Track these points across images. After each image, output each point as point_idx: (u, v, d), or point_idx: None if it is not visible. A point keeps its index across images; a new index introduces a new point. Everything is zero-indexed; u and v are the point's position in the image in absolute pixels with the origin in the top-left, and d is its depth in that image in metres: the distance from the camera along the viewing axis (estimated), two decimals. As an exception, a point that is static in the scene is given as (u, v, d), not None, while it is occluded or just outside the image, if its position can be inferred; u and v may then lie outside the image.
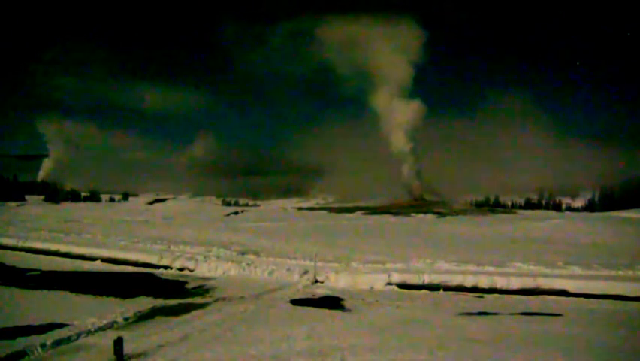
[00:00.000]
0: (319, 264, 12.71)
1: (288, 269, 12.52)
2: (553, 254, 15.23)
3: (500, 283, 11.00)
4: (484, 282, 11.07)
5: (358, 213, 54.99)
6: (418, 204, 72.92)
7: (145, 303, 8.80)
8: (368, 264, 13.17)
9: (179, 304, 8.90)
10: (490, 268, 12.24)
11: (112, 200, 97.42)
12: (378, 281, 11.44)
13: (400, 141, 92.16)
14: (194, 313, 8.12)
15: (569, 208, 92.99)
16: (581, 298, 10.34)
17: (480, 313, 8.43)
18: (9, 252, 16.22)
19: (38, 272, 12.46)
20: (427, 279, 11.32)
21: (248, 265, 13.06)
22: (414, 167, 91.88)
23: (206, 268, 13.06)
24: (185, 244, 16.74)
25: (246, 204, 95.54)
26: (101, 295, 9.48)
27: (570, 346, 6.10)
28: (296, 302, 9.24)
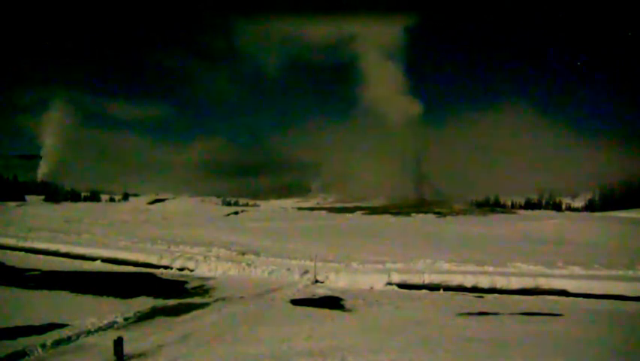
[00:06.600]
0: (319, 264, 12.71)
1: (288, 269, 12.51)
2: (553, 254, 15.22)
3: (500, 283, 11.00)
4: (484, 282, 11.07)
5: (358, 213, 54.96)
6: (418, 204, 72.89)
7: (145, 303, 8.80)
8: (368, 264, 13.17)
9: (180, 304, 8.89)
10: (490, 268, 12.24)
11: (112, 200, 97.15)
12: (378, 281, 11.43)
13: (401, 141, 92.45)
14: (194, 313, 8.12)
15: (569, 208, 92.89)
16: (581, 298, 10.34)
17: (480, 313, 8.43)
18: (9, 252, 16.21)
19: (38, 272, 12.45)
20: (427, 279, 11.32)
21: (248, 265, 13.06)
22: (415, 167, 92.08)
23: (206, 268, 13.05)
24: (185, 244, 16.74)
25: (246, 204, 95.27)
26: (101, 295, 9.47)
27: (570, 346, 6.10)
28: (296, 302, 9.24)
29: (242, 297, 9.60)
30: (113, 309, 8.09)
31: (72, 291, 9.84)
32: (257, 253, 15.09)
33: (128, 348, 5.62)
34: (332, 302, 9.33)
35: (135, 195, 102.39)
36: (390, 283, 11.34)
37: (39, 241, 17.17)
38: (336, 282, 11.50)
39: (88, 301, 9.02)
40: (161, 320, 7.56)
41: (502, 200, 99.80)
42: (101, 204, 70.47)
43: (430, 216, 47.70)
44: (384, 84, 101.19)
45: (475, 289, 10.95)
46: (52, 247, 16.02)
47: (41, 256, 15.22)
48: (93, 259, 14.55)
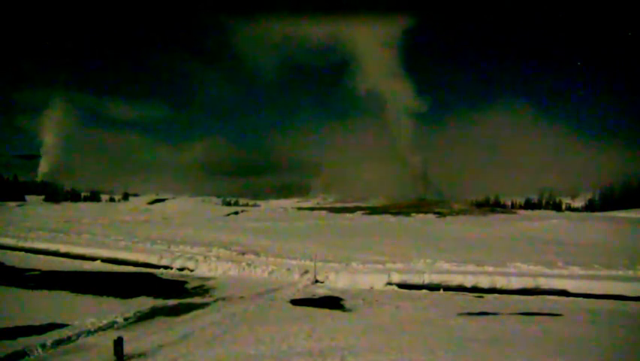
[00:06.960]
0: (319, 264, 12.71)
1: (288, 269, 12.52)
2: (553, 254, 15.22)
3: (500, 283, 11.00)
4: (484, 282, 11.07)
5: (358, 213, 54.95)
6: (418, 204, 72.84)
7: (145, 303, 8.80)
8: (368, 264, 13.17)
9: (180, 304, 8.90)
10: (490, 268, 12.24)
11: (112, 200, 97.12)
12: (378, 281, 11.43)
13: (401, 141, 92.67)
14: (194, 313, 8.12)
15: (569, 208, 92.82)
16: (581, 298, 10.34)
17: (480, 313, 8.43)
18: (9, 252, 16.21)
19: (38, 272, 12.45)
20: (427, 279, 11.32)
21: (248, 265, 13.06)
22: (415, 167, 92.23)
23: (206, 268, 13.06)
24: (185, 244, 16.74)
25: (246, 204, 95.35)
26: (101, 295, 9.48)
27: (570, 346, 6.10)
28: (296, 302, 9.24)
29: (242, 297, 9.60)
30: (113, 309, 8.09)
31: (72, 291, 9.84)
32: (257, 253, 15.08)
33: (128, 348, 5.62)
34: (332, 302, 9.33)
35: (135, 195, 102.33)
36: (390, 283, 11.33)
37: (39, 241, 17.18)
38: (336, 282, 11.50)
39: (88, 301, 9.02)
40: (161, 320, 7.56)
41: (502, 200, 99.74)
42: (101, 204, 70.55)
43: (430, 216, 47.67)
44: (383, 84, 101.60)
45: (475, 289, 10.95)
46: (52, 247, 16.03)
47: (41, 256, 15.22)
48: (93, 259, 14.56)
